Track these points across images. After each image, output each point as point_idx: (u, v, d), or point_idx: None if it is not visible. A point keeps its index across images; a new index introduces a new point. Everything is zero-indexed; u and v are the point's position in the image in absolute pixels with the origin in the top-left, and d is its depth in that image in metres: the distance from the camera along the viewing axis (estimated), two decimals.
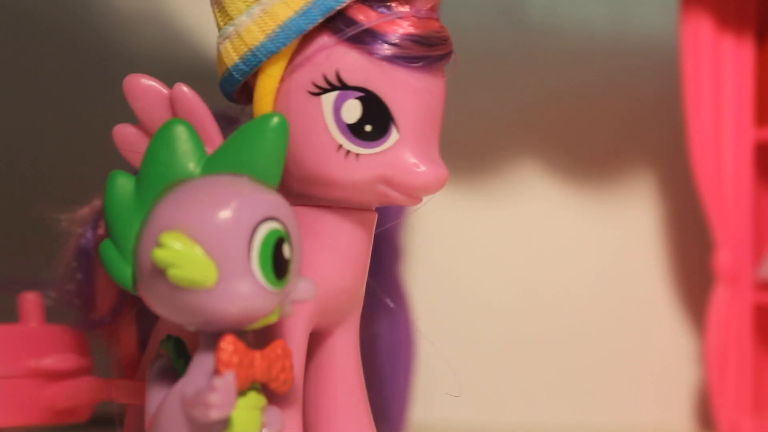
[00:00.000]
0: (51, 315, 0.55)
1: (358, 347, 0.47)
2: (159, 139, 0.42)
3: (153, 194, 0.42)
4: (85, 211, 0.51)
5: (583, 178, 0.86)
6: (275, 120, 0.42)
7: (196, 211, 0.40)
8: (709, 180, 0.76)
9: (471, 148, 0.85)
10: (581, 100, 0.86)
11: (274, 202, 0.41)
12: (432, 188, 0.44)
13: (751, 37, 0.77)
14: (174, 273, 0.39)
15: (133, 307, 0.50)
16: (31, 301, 0.55)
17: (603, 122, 0.86)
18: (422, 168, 0.44)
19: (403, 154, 0.44)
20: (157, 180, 0.42)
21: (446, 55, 0.45)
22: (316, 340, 0.46)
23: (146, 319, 0.49)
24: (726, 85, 0.77)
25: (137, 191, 0.42)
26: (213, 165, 0.42)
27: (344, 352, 0.47)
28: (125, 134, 0.45)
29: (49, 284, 0.54)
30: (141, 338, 0.51)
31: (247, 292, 0.40)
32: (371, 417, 0.47)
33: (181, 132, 0.42)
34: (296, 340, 0.45)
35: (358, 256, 0.45)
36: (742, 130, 0.77)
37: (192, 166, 0.42)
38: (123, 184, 0.42)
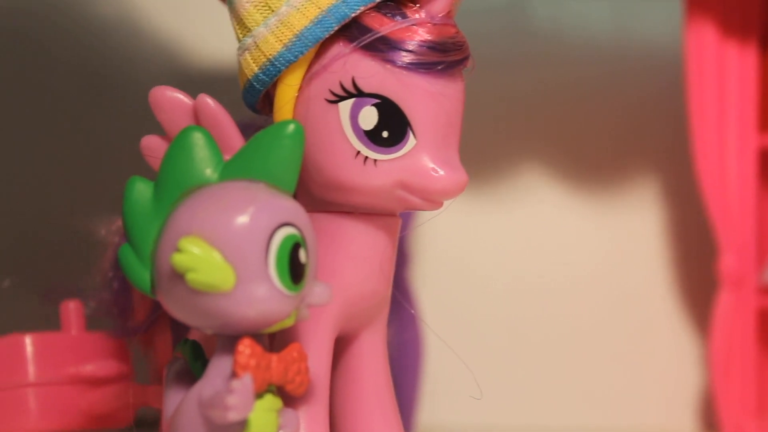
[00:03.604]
0: (92, 323, 0.55)
1: (386, 350, 0.48)
2: (177, 145, 0.43)
3: (171, 200, 0.42)
4: (121, 222, 0.52)
5: (587, 183, 0.86)
6: (291, 127, 0.42)
7: (213, 216, 0.40)
8: (713, 185, 0.77)
9: (475, 153, 0.85)
10: (585, 105, 0.86)
11: (290, 207, 0.42)
12: (451, 192, 0.44)
13: (755, 44, 0.77)
14: (192, 277, 0.40)
15: (167, 315, 0.50)
16: (72, 309, 0.56)
17: (607, 127, 0.86)
18: (440, 172, 0.44)
19: (421, 159, 0.44)
20: (175, 186, 0.42)
21: (462, 60, 0.45)
22: (343, 344, 0.47)
23: (180, 326, 0.49)
24: (730, 91, 0.77)
25: (155, 197, 0.42)
26: (230, 171, 0.42)
27: (372, 355, 0.47)
28: (152, 145, 0.46)
29: (89, 293, 0.54)
30: (176, 345, 0.51)
31: (264, 296, 0.40)
32: (400, 419, 0.47)
33: (198, 138, 0.43)
34: (320, 344, 0.45)
35: (382, 262, 0.46)
36: (745, 135, 0.77)
37: (209, 172, 0.42)
38: (141, 189, 0.43)
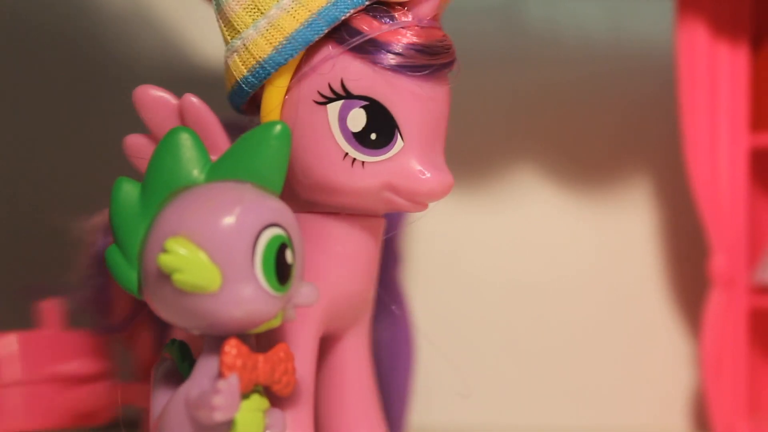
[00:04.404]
0: (72, 320, 0.55)
1: (369, 350, 0.48)
2: (164, 146, 0.43)
3: (158, 200, 0.42)
4: (96, 219, 0.52)
5: (579, 183, 0.86)
6: (278, 128, 0.42)
7: (200, 217, 0.41)
8: (704, 185, 0.77)
9: (468, 152, 0.85)
10: (579, 105, 0.86)
11: (277, 208, 0.42)
12: (437, 194, 0.44)
13: (746, 43, 0.77)
14: (179, 278, 0.40)
15: (149, 312, 0.50)
16: (50, 307, 0.56)
17: (600, 127, 0.86)
18: (427, 175, 0.44)
19: (408, 161, 0.44)
20: (161, 186, 0.42)
21: (449, 64, 0.45)
22: (327, 344, 0.47)
23: (161, 323, 0.49)
24: (721, 91, 0.77)
25: (142, 197, 0.43)
26: (217, 172, 0.42)
27: (355, 355, 0.47)
28: (136, 144, 0.46)
29: (66, 291, 0.54)
30: (156, 342, 0.51)
31: (251, 297, 0.40)
32: (382, 418, 0.48)
33: (185, 139, 0.43)
34: (306, 344, 0.45)
35: (366, 262, 0.46)
36: (737, 135, 0.77)
37: (196, 172, 0.43)
38: (128, 190, 0.43)
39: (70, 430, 0.56)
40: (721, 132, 0.77)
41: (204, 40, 0.85)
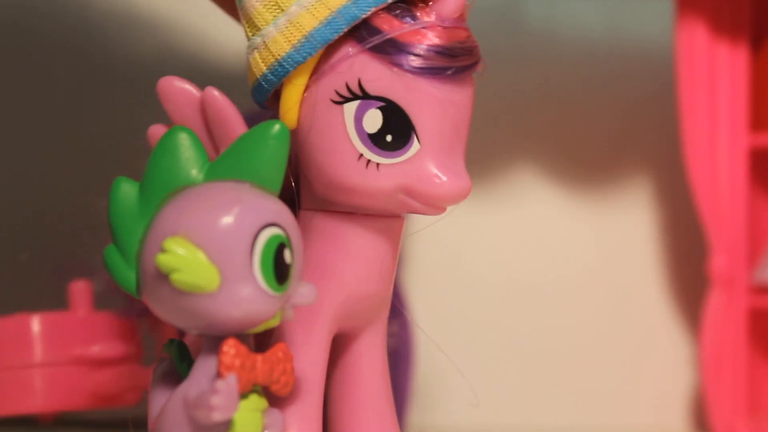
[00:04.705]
0: (102, 302, 0.55)
1: (385, 351, 0.47)
2: (162, 146, 0.43)
3: (156, 200, 0.42)
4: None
5: (579, 183, 0.86)
6: (276, 127, 0.42)
7: (198, 216, 0.40)
8: (704, 185, 0.77)
9: (468, 153, 0.85)
10: (578, 104, 0.86)
11: (275, 208, 0.42)
12: (452, 199, 0.44)
13: (745, 43, 0.77)
14: (177, 278, 0.40)
15: None
16: (80, 289, 0.55)
17: (599, 127, 0.86)
18: (443, 179, 0.44)
19: (424, 164, 0.44)
20: (160, 186, 0.42)
21: (471, 66, 0.45)
22: (341, 343, 0.47)
23: None
24: (721, 91, 0.77)
25: (141, 197, 0.43)
26: (215, 171, 0.42)
27: (370, 355, 0.47)
28: (159, 134, 0.46)
29: (99, 272, 0.54)
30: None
31: (249, 297, 0.40)
32: (396, 419, 0.47)
33: (183, 139, 0.43)
34: (316, 343, 0.45)
35: (383, 262, 0.46)
36: (737, 135, 0.77)
37: (195, 172, 0.43)
38: (127, 190, 0.43)
39: (94, 412, 0.56)
40: (721, 132, 0.77)
41: (208, 37, 0.85)
